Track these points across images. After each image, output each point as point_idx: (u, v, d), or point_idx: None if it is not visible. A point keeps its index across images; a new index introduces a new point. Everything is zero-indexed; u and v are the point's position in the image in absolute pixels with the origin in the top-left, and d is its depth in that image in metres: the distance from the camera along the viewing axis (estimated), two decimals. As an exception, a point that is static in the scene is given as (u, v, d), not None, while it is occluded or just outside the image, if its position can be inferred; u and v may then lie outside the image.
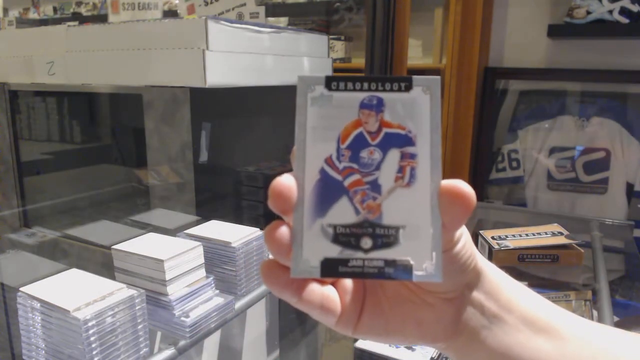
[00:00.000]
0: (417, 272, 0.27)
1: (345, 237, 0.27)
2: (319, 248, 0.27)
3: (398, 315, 0.31)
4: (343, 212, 0.27)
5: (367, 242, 0.27)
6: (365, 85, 0.27)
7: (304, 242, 0.27)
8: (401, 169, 0.27)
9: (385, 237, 0.27)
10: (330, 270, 0.27)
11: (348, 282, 0.31)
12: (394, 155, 0.27)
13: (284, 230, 0.27)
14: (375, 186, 0.27)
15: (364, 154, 0.27)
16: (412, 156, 0.27)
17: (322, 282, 0.29)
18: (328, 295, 0.29)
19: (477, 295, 0.32)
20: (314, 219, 0.27)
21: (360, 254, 0.27)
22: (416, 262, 0.27)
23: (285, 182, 0.26)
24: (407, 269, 0.27)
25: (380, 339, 0.32)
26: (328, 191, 0.27)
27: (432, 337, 0.32)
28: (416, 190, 0.27)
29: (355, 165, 0.27)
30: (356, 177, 0.27)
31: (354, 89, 0.28)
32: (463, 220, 0.27)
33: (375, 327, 0.31)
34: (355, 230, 0.27)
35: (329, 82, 0.28)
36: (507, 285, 0.33)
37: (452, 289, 0.31)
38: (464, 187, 0.27)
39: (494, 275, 0.33)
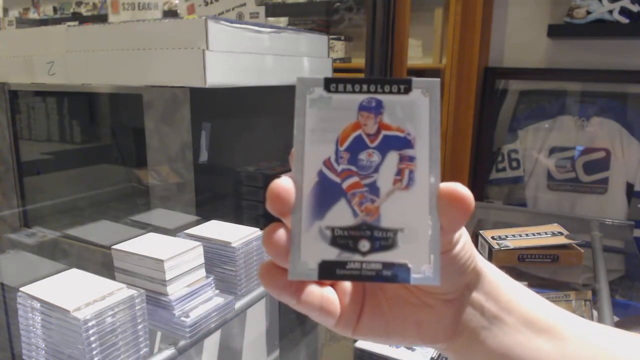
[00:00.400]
0: (415, 275, 0.27)
1: (343, 239, 0.27)
2: (317, 250, 0.27)
3: (398, 316, 0.31)
4: (341, 215, 0.27)
5: (365, 245, 0.27)
6: (365, 87, 0.27)
7: (302, 245, 0.27)
8: (400, 172, 0.27)
9: (384, 240, 0.27)
10: (328, 272, 0.27)
11: (347, 284, 0.31)
12: (392, 157, 0.27)
13: (281, 233, 0.27)
14: (373, 189, 0.27)
15: (363, 156, 0.27)
16: (411, 159, 0.27)
17: (321, 284, 0.29)
18: (327, 297, 0.29)
19: (476, 296, 0.32)
20: (312, 221, 0.27)
21: (358, 257, 0.27)
22: (414, 265, 0.27)
23: (283, 184, 0.26)
24: (405, 272, 0.27)
25: (380, 340, 0.32)
26: (326, 193, 0.27)
27: (432, 338, 0.32)
28: (414, 193, 0.27)
29: (353, 168, 0.27)
30: (354, 179, 0.27)
31: (353, 91, 0.27)
32: (462, 223, 0.27)
33: (374, 328, 0.31)
34: (353, 233, 0.27)
35: (328, 84, 0.27)
36: (507, 286, 0.33)
37: (452, 290, 0.31)
38: (462, 190, 0.27)
39: (493, 275, 0.33)
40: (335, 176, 0.27)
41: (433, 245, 0.27)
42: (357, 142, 0.27)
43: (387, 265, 0.27)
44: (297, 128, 0.27)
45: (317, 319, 0.30)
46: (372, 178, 0.27)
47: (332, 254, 0.27)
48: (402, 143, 0.27)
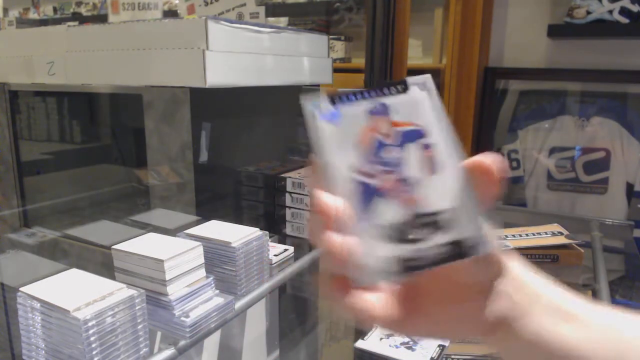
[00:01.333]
0: (475, 246, 0.28)
1: (397, 234, 0.28)
2: (378, 252, 0.28)
3: (439, 315, 0.33)
4: (387, 213, 0.29)
5: (418, 234, 0.28)
6: (366, 94, 0.29)
7: (364, 250, 0.28)
8: (423, 160, 0.29)
9: (433, 225, 0.28)
10: (396, 270, 0.28)
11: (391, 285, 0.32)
12: (412, 149, 0.29)
13: (338, 241, 0.28)
14: (405, 181, 0.29)
15: (386, 154, 0.29)
16: (428, 146, 0.29)
17: (368, 287, 0.31)
18: (374, 299, 0.31)
19: (504, 288, 0.33)
20: (362, 226, 0.28)
21: (416, 247, 0.28)
22: (469, 238, 0.28)
23: (325, 199, 0.28)
24: (466, 247, 0.28)
25: (423, 337, 0.34)
26: (365, 197, 0.29)
27: (472, 333, 0.33)
28: (443, 175, 0.29)
29: (380, 167, 0.29)
30: (386, 177, 0.29)
31: (357, 100, 0.29)
32: (494, 190, 0.29)
33: (417, 327, 0.33)
34: (404, 226, 0.28)
35: (332, 99, 0.29)
36: (530, 277, 0.34)
37: (480, 281, 0.32)
38: (485, 160, 0.28)
39: (517, 267, 0.34)
40: (367, 179, 0.29)
41: (477, 217, 0.28)
42: (376, 143, 0.29)
43: (446, 245, 0.28)
44: (316, 145, 0.29)
45: (361, 320, 0.31)
46: (400, 172, 0.29)
47: (393, 251, 0.28)
48: (417, 135, 0.29)
